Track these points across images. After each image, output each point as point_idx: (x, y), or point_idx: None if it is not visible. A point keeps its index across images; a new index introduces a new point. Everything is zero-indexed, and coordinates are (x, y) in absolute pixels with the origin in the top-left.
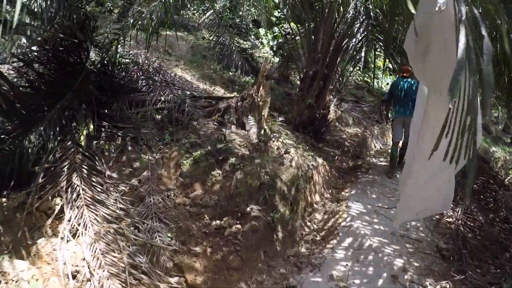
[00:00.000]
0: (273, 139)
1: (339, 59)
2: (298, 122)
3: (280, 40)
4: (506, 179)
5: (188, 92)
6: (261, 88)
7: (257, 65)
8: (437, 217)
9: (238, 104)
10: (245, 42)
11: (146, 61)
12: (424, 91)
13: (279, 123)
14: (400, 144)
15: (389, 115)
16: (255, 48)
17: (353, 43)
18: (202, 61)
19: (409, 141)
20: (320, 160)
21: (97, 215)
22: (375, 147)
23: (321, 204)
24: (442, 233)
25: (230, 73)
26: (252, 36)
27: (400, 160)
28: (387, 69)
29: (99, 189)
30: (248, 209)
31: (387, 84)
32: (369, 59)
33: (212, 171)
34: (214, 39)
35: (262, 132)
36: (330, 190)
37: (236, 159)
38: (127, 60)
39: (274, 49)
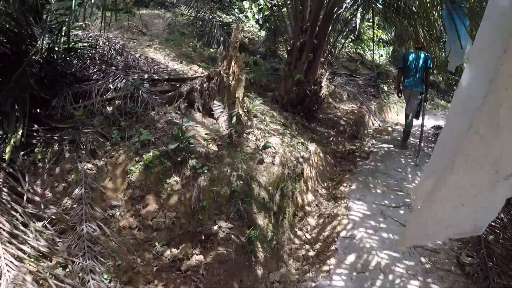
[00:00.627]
0: (250, 128)
1: (330, 28)
2: (286, 100)
3: (266, 13)
4: None
5: (146, 75)
6: (232, 64)
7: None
8: None
9: (204, 85)
10: (228, 17)
11: (108, 43)
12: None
13: (260, 104)
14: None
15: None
16: (239, 22)
17: (346, 7)
18: (180, 39)
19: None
20: (312, 148)
21: (14, 255)
22: (373, 124)
23: (315, 203)
24: (461, 238)
25: (212, 50)
26: (236, 10)
27: (407, 137)
28: (381, 40)
29: (21, 219)
30: (216, 228)
31: (381, 56)
32: (362, 30)
33: (168, 178)
34: (193, 14)
35: (234, 119)
36: (325, 184)
37: (198, 160)
38: (85, 44)
39: (260, 22)
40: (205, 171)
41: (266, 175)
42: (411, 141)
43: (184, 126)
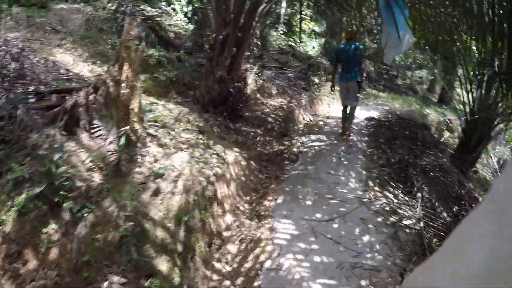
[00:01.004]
0: (146, 148)
1: (256, 20)
2: (207, 100)
3: (196, 5)
4: (441, 139)
5: (32, 88)
6: (125, 68)
7: (166, 33)
8: (395, 219)
9: (90, 98)
10: (153, 10)
11: (3, 47)
12: None
13: (177, 105)
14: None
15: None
16: (164, 15)
17: None
18: (98, 36)
19: None
20: (231, 158)
21: None
22: (303, 119)
23: (236, 225)
24: (403, 249)
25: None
26: (163, 3)
27: (349, 120)
28: (313, 32)
29: None
30: (106, 285)
31: (313, 48)
32: (294, 23)
33: (45, 226)
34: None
35: (123, 140)
36: (248, 197)
37: (77, 201)
38: None
39: (189, 15)
40: (85, 214)
41: (164, 209)
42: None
43: (58, 157)
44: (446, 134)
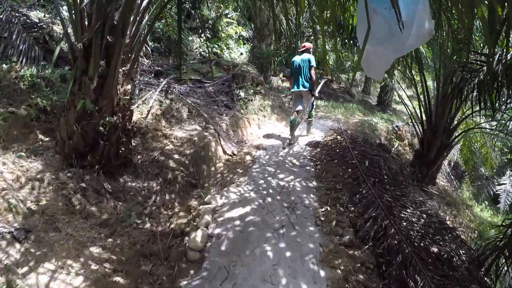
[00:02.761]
0: None
1: (144, 15)
2: (69, 148)
3: None
4: (392, 150)
5: None
6: None
7: (56, 45)
8: None
9: None
10: (45, 16)
11: None
12: None
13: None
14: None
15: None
16: (54, 23)
17: None
18: None
19: None
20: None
21: None
22: (225, 153)
23: None
24: None
25: (4, 65)
26: (64, 7)
27: (310, 124)
28: (241, 37)
29: None
30: None
31: (241, 54)
32: (220, 28)
33: None
34: None
35: None
36: None
37: None
38: None
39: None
40: None
41: None
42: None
43: None
44: (396, 143)
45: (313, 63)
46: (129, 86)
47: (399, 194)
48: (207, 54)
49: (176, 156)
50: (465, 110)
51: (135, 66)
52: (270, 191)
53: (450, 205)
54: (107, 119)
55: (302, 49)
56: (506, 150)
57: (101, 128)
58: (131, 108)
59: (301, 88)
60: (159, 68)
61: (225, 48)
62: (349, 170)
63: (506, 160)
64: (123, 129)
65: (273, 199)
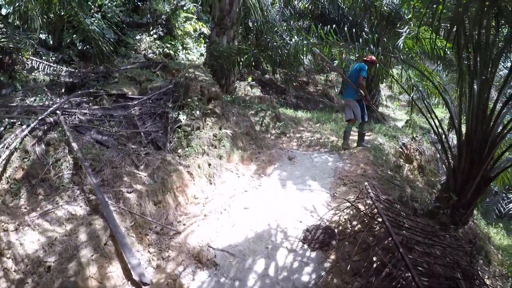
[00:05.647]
0: None
1: None
2: None
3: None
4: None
5: None
6: None
7: None
8: None
9: None
10: None
11: None
12: None
13: None
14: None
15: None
16: None
17: None
18: None
19: None
20: None
21: None
22: (129, 280)
23: None
24: None
25: None
26: None
27: (361, 136)
28: (202, 35)
29: None
30: None
31: (201, 55)
32: (176, 24)
33: None
34: None
35: None
36: None
37: None
38: None
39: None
40: None
41: None
42: None
43: None
44: (406, 167)
45: (363, 73)
46: None
47: None
48: (155, 56)
49: None
50: None
51: None
52: None
53: (479, 250)
54: None
55: (364, 58)
56: None
57: None
58: None
59: (347, 97)
60: (75, 81)
61: (180, 48)
62: None
63: None
64: None
65: None
